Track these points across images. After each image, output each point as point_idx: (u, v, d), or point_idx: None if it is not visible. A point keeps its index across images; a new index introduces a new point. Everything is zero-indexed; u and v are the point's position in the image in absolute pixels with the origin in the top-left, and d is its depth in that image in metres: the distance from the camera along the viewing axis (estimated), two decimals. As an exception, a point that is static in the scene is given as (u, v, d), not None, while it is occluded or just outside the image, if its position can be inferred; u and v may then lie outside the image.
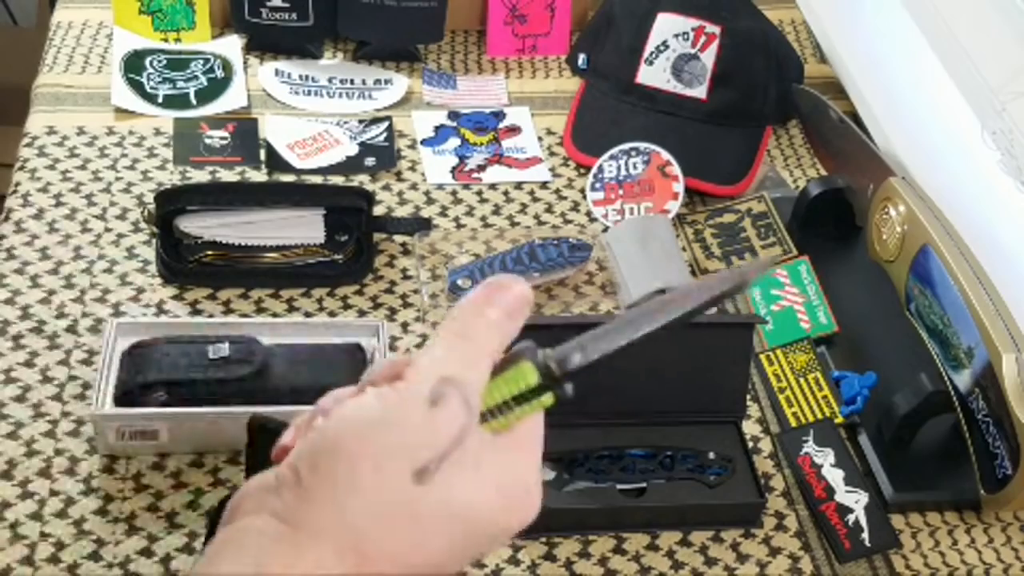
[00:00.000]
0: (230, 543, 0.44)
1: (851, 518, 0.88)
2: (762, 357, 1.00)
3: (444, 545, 0.45)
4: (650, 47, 1.21)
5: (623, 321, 0.49)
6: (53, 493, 0.84)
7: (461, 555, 0.46)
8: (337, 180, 1.14)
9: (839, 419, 0.95)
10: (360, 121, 1.21)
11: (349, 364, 0.91)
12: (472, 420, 0.44)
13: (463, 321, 0.47)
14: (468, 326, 0.47)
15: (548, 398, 0.47)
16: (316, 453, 0.44)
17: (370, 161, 1.17)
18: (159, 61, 1.24)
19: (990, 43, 1.00)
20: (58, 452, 0.87)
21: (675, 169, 1.13)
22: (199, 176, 1.12)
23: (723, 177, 1.17)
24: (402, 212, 1.12)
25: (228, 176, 1.13)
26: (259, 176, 1.13)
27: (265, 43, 1.29)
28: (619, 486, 0.87)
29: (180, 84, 1.22)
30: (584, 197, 1.15)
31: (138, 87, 1.21)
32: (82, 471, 0.85)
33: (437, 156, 1.19)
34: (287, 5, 1.26)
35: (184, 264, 1.00)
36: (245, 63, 1.27)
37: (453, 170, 1.17)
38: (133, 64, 1.23)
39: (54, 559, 0.80)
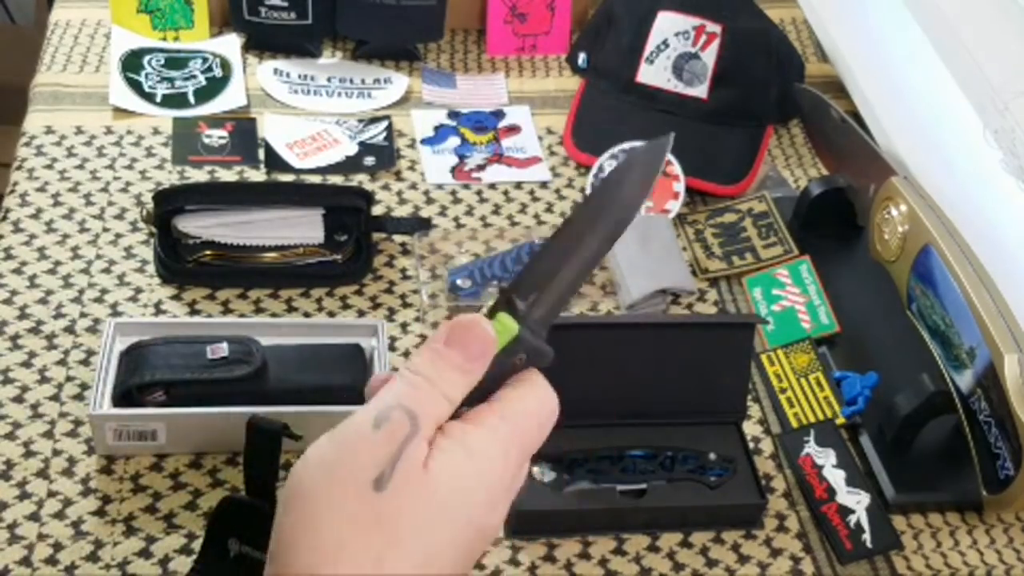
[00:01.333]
0: None
1: (852, 519, 0.88)
2: (763, 357, 1.00)
3: (429, 545, 0.45)
4: (651, 46, 1.21)
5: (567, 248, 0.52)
6: (51, 494, 0.84)
7: (454, 554, 0.46)
8: (336, 180, 1.14)
9: (840, 420, 0.95)
10: (359, 120, 1.21)
11: (348, 364, 0.90)
12: (418, 431, 0.45)
13: (419, 359, 0.48)
14: (423, 363, 0.48)
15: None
16: (284, 501, 0.45)
17: (369, 161, 1.16)
18: (157, 60, 1.24)
19: (992, 42, 1.00)
20: (56, 453, 0.86)
21: (676, 168, 1.13)
22: (197, 176, 1.12)
23: (724, 177, 1.17)
24: (401, 212, 1.11)
25: (227, 176, 1.12)
26: (258, 176, 1.13)
27: (264, 42, 1.29)
28: (619, 487, 0.86)
29: (178, 83, 1.22)
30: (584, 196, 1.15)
31: (136, 86, 1.20)
32: (80, 472, 0.85)
33: (436, 155, 1.18)
34: (286, 4, 1.26)
35: (182, 264, 1.00)
36: (244, 62, 1.26)
37: (453, 169, 1.17)
38: (131, 63, 1.22)
39: (52, 560, 0.80)
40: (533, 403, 0.49)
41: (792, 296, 1.05)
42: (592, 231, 0.52)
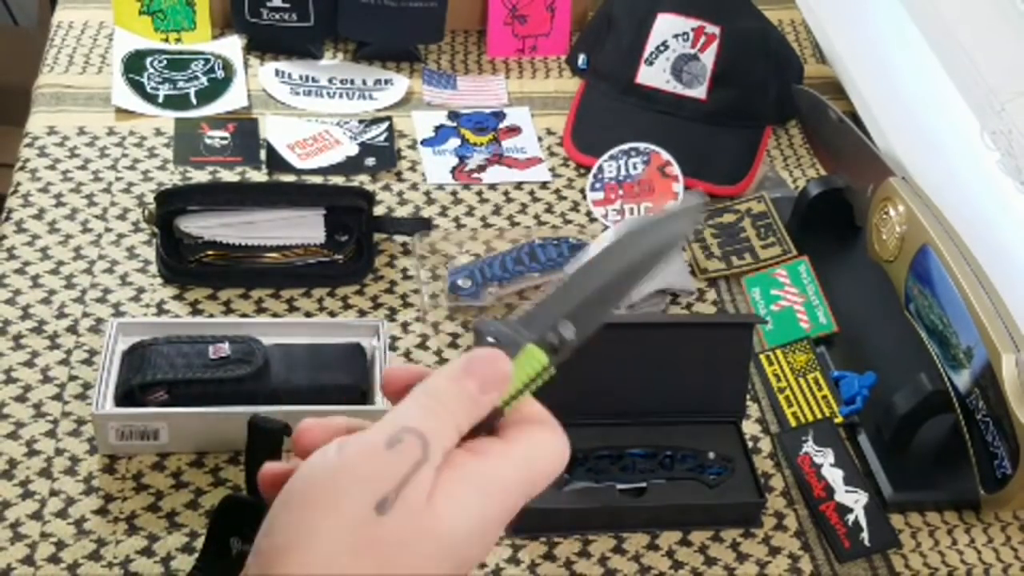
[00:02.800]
0: None
1: (850, 518, 0.88)
2: (762, 357, 1.00)
3: (430, 568, 0.44)
4: (650, 47, 1.21)
5: (599, 279, 0.51)
6: (54, 493, 0.84)
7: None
8: (337, 180, 1.14)
9: (839, 419, 0.95)
10: (360, 121, 1.21)
11: (349, 364, 0.91)
12: (428, 459, 0.45)
13: (436, 384, 0.47)
14: (440, 389, 0.47)
15: (552, 371, 0.49)
16: (284, 501, 0.45)
17: (370, 161, 1.17)
18: (159, 61, 1.24)
19: (990, 43, 1.00)
20: (59, 452, 0.87)
21: (675, 169, 1.13)
22: (199, 176, 1.12)
23: (723, 177, 1.17)
24: (402, 212, 1.12)
25: (228, 176, 1.13)
26: (259, 176, 1.13)
27: (265, 43, 1.29)
28: (619, 486, 0.87)
29: (180, 84, 1.22)
30: (584, 197, 1.15)
31: (139, 87, 1.21)
32: (83, 471, 0.86)
33: (437, 156, 1.19)
34: (287, 5, 1.27)
35: (184, 264, 1.00)
36: (245, 63, 1.27)
37: (453, 170, 1.17)
38: (134, 64, 1.23)
39: (55, 559, 0.80)
40: (547, 450, 0.49)
41: (790, 296, 1.05)
42: (613, 265, 0.52)
